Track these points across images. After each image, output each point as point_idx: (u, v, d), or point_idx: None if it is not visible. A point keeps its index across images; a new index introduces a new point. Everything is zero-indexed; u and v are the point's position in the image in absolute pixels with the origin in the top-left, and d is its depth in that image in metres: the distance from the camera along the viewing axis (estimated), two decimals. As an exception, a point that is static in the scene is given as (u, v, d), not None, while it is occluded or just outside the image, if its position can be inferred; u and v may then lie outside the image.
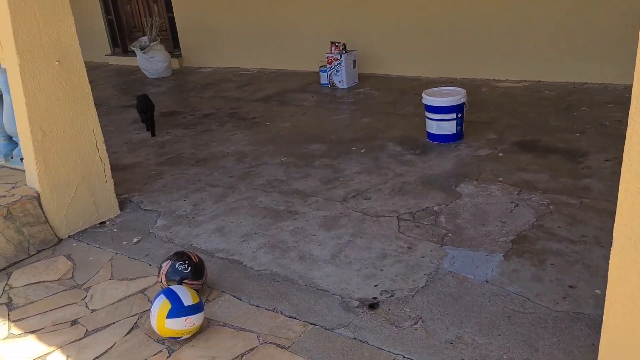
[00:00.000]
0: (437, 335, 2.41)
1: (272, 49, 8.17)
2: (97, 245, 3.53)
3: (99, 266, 3.28)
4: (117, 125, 6.10)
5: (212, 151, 5.02)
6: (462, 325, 2.46)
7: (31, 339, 2.69)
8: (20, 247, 3.42)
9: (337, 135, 5.11)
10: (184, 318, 2.47)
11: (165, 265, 2.82)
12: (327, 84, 6.92)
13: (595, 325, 2.34)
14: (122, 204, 3.99)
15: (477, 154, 4.34)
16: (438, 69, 6.76)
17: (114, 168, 4.45)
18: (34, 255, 3.46)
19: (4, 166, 4.06)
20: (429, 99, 4.58)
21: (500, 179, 3.85)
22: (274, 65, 8.24)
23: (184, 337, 2.52)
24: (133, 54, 8.81)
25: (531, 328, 2.39)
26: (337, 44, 6.77)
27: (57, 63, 3.44)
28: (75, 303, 2.94)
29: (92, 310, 2.86)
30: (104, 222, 3.80)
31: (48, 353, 2.58)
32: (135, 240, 3.52)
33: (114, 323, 2.75)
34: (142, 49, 8.51)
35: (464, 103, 4.56)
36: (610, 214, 3.20)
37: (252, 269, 3.08)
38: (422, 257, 3.01)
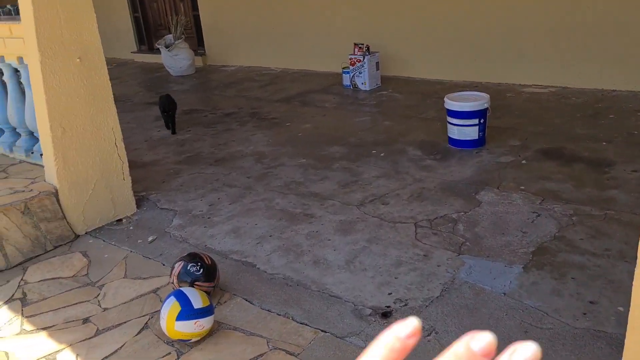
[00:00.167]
0: (450, 348, 2.35)
1: (296, 49, 8.15)
2: (113, 243, 3.54)
3: (113, 264, 3.28)
4: (139, 122, 6.13)
5: (231, 151, 5.00)
6: (476, 338, 2.39)
7: (43, 335, 2.69)
8: (37, 242, 3.44)
9: (357, 138, 5.05)
10: (194, 321, 2.45)
11: (178, 266, 2.81)
12: (350, 86, 6.87)
13: (616, 344, 2.25)
14: (139, 202, 3.99)
15: (499, 160, 4.25)
16: (462, 72, 6.66)
17: (133, 165, 4.47)
18: (50, 250, 3.48)
19: (24, 161, 4.09)
20: (451, 103, 4.50)
21: (522, 187, 3.75)
22: (297, 66, 8.22)
23: (194, 339, 2.50)
24: (158, 51, 8.88)
25: (549, 344, 2.31)
26: (360, 46, 6.71)
27: (78, 60, 3.45)
28: (88, 301, 2.94)
29: (104, 309, 2.86)
30: (120, 220, 3.81)
31: (58, 351, 2.57)
32: (150, 239, 3.52)
33: (124, 322, 2.74)
34: (167, 46, 8.56)
35: (487, 108, 4.47)
36: (635, 227, 3.12)
37: (266, 272, 3.05)
38: (438, 266, 2.94)
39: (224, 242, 3.41)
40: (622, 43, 5.54)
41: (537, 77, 6.16)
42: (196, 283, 2.74)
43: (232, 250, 3.30)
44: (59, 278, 3.20)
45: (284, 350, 2.43)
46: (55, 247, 3.51)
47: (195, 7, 9.30)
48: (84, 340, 2.64)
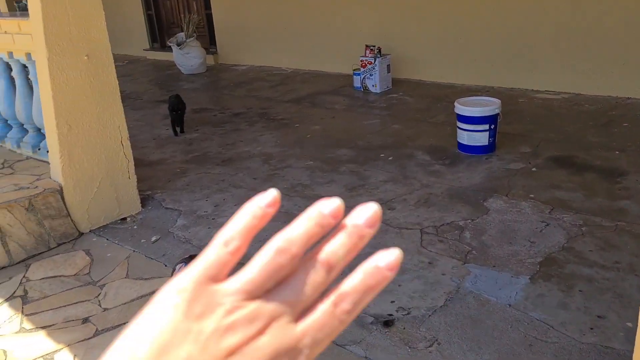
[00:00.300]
0: (452, 360, 2.30)
1: (307, 50, 8.11)
2: (116, 242, 3.52)
3: (115, 263, 3.26)
4: (148, 120, 6.13)
5: (238, 151, 4.98)
6: (480, 351, 2.34)
7: (42, 334, 2.68)
8: (41, 239, 3.44)
9: (365, 141, 5.01)
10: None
11: (179, 268, 2.77)
12: (360, 88, 6.82)
13: (623, 361, 2.19)
14: (144, 201, 3.97)
15: (509, 167, 4.18)
16: (474, 76, 6.59)
17: (140, 164, 4.45)
18: (53, 248, 3.47)
19: (31, 157, 4.09)
20: (461, 108, 4.44)
21: (532, 195, 3.69)
22: (308, 66, 8.18)
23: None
24: (170, 49, 8.88)
25: (553, 359, 2.25)
26: (372, 48, 6.66)
27: (85, 58, 3.44)
28: (89, 300, 2.92)
29: (104, 309, 2.84)
30: (125, 219, 3.79)
31: (56, 351, 2.56)
32: (153, 239, 3.50)
33: (124, 324, 2.71)
34: (178, 44, 8.56)
35: (497, 114, 4.41)
36: (646, 241, 3.05)
37: (268, 276, 3.01)
38: (443, 274, 2.89)
39: (228, 244, 3.37)
40: (637, 50, 5.44)
41: (550, 83, 6.08)
42: (197, 286, 2.70)
43: (235, 252, 3.27)
44: (60, 276, 3.18)
45: (283, 356, 2.39)
46: (59, 245, 3.50)
47: (207, 6, 9.30)
48: (82, 340, 2.62)
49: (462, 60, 6.67)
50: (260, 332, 0.32)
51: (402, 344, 2.40)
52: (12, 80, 4.07)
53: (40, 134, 4.04)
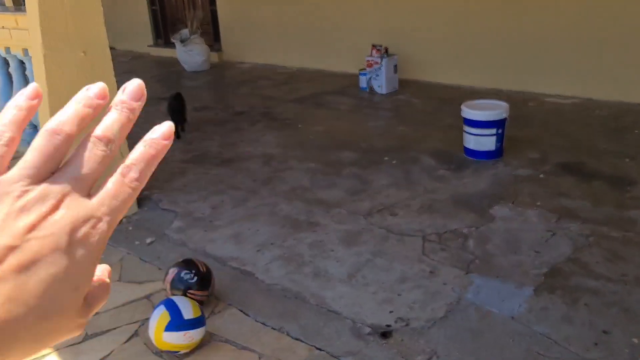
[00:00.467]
0: (451, 376, 2.21)
1: (313, 49, 8.02)
2: (110, 243, 3.43)
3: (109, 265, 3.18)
4: (149, 118, 5.90)
5: (239, 151, 4.89)
6: (480, 366, 2.25)
7: (29, 338, 2.60)
8: (34, 239, 3.36)
9: (369, 144, 4.91)
10: (183, 332, 2.34)
11: (172, 273, 2.70)
12: (366, 88, 6.72)
13: (630, 382, 2.09)
14: (140, 201, 3.90)
15: (516, 173, 4.08)
16: (483, 78, 6.48)
17: (139, 163, 4.37)
18: (47, 248, 3.40)
19: (27, 154, 4.02)
20: (468, 111, 4.34)
21: (539, 203, 3.59)
22: (313, 65, 8.08)
23: (182, 352, 2.39)
24: (174, 46, 8.80)
25: (557, 377, 2.16)
26: (378, 47, 6.56)
27: (82, 54, 3.36)
28: (79, 303, 2.84)
29: (95, 313, 2.75)
30: (120, 219, 3.70)
31: (44, 355, 2.48)
32: (148, 240, 3.42)
33: (114, 329, 2.64)
34: (182, 41, 8.48)
35: (505, 118, 4.30)
36: (656, 255, 2.94)
37: (264, 282, 2.93)
38: (445, 284, 2.80)
39: (224, 247, 3.29)
40: (650, 55, 5.33)
41: (561, 87, 5.96)
42: (190, 291, 2.63)
43: (231, 256, 3.19)
44: (52, 277, 3.11)
45: (275, 368, 2.31)
46: (53, 245, 3.42)
47: (212, 2, 9.21)
48: (71, 345, 2.54)
49: (470, 61, 6.56)
50: (55, 208, 0.34)
51: (400, 357, 2.32)
52: (9, 76, 4.01)
53: (36, 131, 3.96)
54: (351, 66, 7.23)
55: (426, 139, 4.94)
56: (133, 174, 0.39)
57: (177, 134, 5.28)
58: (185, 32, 8.60)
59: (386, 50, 6.57)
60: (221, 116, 6.06)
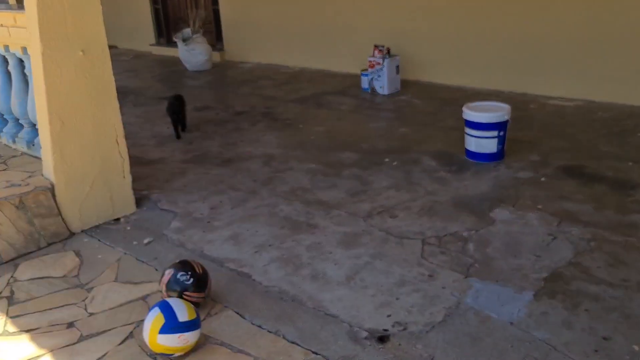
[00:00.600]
0: (448, 382, 2.18)
1: (315, 49, 7.99)
2: (108, 243, 3.42)
3: (105, 266, 3.17)
4: (149, 117, 6.03)
5: (239, 151, 4.87)
6: (478, 372, 2.22)
7: (25, 338, 2.58)
8: (31, 238, 3.34)
9: (370, 145, 4.88)
10: (178, 335, 2.32)
11: (168, 274, 2.67)
12: (368, 89, 6.69)
13: (630, 389, 2.06)
14: (139, 201, 3.87)
15: (517, 176, 4.05)
16: (485, 79, 6.44)
17: (139, 162, 4.37)
18: (44, 247, 3.38)
19: (26, 153, 4.01)
20: (469, 113, 4.31)
21: (540, 206, 3.55)
22: (315, 65, 8.06)
23: (177, 354, 2.36)
24: (176, 45, 8.78)
25: (556, 384, 2.13)
26: (380, 48, 6.53)
27: (81, 53, 3.34)
28: (75, 304, 2.83)
29: (90, 314, 2.74)
30: (118, 219, 3.69)
31: (38, 356, 2.46)
32: (146, 241, 3.40)
33: (109, 330, 2.61)
34: (184, 40, 8.46)
35: (507, 120, 4.27)
36: (658, 261, 2.91)
37: (261, 284, 2.90)
38: (443, 288, 2.77)
39: (222, 248, 3.27)
40: (654, 57, 5.28)
41: (563, 89, 5.91)
42: (185, 293, 2.60)
43: (228, 258, 3.16)
44: (49, 277, 3.09)
45: (271, 371, 2.28)
46: (50, 245, 3.41)
47: (215, 1, 9.19)
48: (65, 346, 2.52)
49: (473, 63, 6.52)
50: None
51: (397, 362, 2.29)
52: (9, 74, 3.99)
53: (35, 129, 3.95)
54: (353, 66, 7.20)
55: (427, 141, 4.91)
56: None
57: (177, 135, 5.27)
58: (187, 31, 8.58)
59: (388, 50, 6.55)
60: (222, 116, 6.04)
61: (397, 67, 6.60)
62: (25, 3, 3.26)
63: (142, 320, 2.60)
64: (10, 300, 2.90)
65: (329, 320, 2.58)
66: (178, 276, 2.63)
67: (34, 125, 3.92)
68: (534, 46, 6.00)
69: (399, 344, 2.39)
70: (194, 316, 2.39)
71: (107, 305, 2.81)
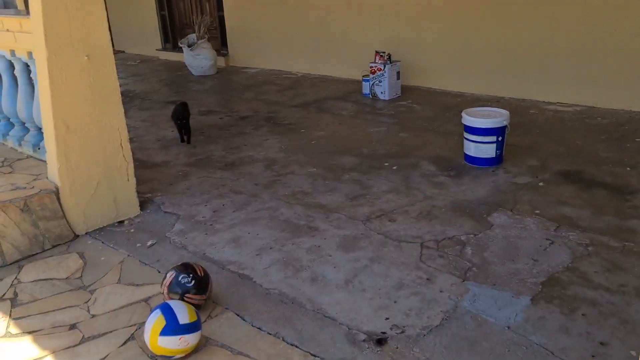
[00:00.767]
0: (444, 384, 2.21)
1: (318, 55, 8.05)
2: (112, 245, 3.47)
3: (108, 267, 3.21)
4: (155, 121, 6.09)
5: (242, 155, 4.92)
6: (473, 375, 2.25)
7: (27, 340, 2.62)
8: (35, 240, 3.39)
9: (370, 149, 4.92)
10: (178, 337, 2.36)
11: (169, 276, 2.71)
12: (369, 94, 6.74)
13: (623, 393, 2.09)
14: (143, 204, 3.92)
15: (516, 181, 4.08)
16: (485, 86, 6.48)
17: (143, 165, 4.42)
18: (48, 249, 3.42)
19: (31, 156, 4.06)
20: (468, 119, 4.35)
21: (538, 211, 3.59)
22: (318, 71, 8.11)
23: (177, 356, 2.40)
24: (182, 50, 8.86)
25: (550, 387, 2.16)
26: (381, 54, 6.58)
27: (86, 58, 3.39)
28: (78, 306, 2.87)
29: (93, 316, 2.78)
30: (122, 222, 3.74)
31: (40, 358, 2.50)
32: (149, 243, 3.44)
33: (111, 332, 2.65)
34: (189, 45, 8.53)
35: (505, 126, 4.30)
36: (653, 266, 2.93)
37: (261, 286, 2.94)
38: (441, 292, 2.80)
39: (223, 251, 3.31)
40: (654, 64, 5.31)
41: (563, 94, 5.95)
42: (187, 295, 2.64)
43: (230, 260, 3.20)
44: (52, 279, 3.13)
45: (270, 373, 2.31)
46: (54, 247, 3.45)
47: (220, 8, 9.27)
48: (67, 348, 2.56)
49: (473, 69, 6.57)
50: None
51: (394, 365, 2.32)
52: (15, 79, 4.04)
53: (40, 133, 3.99)
54: (355, 72, 7.25)
55: (427, 145, 4.95)
56: None
57: (182, 138, 5.33)
58: (192, 36, 8.65)
59: (389, 56, 6.59)
60: (226, 120, 6.09)
61: (398, 73, 6.65)
62: (30, 8, 3.32)
63: (144, 322, 2.65)
64: (14, 301, 2.94)
65: (328, 322, 2.62)
66: (180, 278, 2.67)
67: (39, 129, 3.97)
68: (533, 53, 6.04)
69: (397, 347, 2.42)
70: (194, 318, 2.43)
71: (110, 307, 2.84)
